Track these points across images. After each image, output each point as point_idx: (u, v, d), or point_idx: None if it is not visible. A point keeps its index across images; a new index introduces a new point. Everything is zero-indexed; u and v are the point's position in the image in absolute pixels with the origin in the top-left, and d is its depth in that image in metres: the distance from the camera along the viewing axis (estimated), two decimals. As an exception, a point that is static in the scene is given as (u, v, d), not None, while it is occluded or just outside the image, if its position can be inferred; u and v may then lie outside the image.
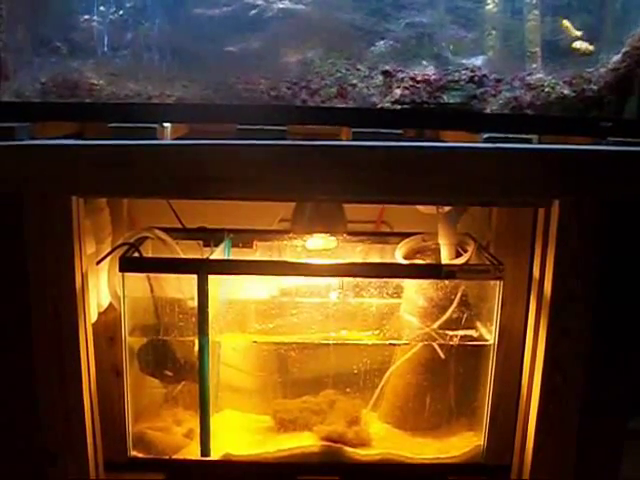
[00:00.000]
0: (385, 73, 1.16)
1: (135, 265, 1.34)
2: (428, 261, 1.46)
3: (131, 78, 1.15)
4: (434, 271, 1.35)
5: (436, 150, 1.12)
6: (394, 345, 1.43)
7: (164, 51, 1.15)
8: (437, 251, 1.45)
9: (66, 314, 1.20)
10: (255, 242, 1.54)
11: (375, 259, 1.54)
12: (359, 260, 1.52)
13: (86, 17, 1.16)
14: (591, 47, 1.17)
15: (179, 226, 1.51)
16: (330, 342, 1.40)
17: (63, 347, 1.20)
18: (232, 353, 1.47)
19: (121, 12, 1.16)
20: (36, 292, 1.18)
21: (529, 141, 1.15)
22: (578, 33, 1.17)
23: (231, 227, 1.52)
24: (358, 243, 1.54)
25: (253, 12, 1.15)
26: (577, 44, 1.16)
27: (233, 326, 1.41)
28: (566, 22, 1.17)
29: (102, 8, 1.16)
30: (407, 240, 1.48)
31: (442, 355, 1.40)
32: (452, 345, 1.39)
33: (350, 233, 1.51)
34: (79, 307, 1.21)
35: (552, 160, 1.11)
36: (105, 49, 1.16)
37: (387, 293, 1.39)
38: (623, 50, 1.15)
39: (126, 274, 1.31)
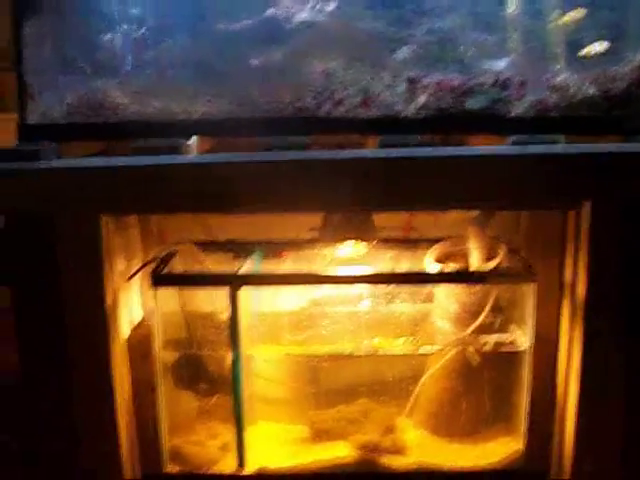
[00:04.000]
0: (409, 80, 1.16)
1: (166, 280, 1.34)
2: (459, 265, 1.45)
3: (155, 95, 1.16)
4: (465, 276, 1.34)
5: (462, 155, 1.11)
6: (427, 352, 1.42)
7: (187, 67, 1.16)
8: (467, 255, 1.44)
9: (99, 331, 1.21)
10: (285, 252, 1.54)
11: (406, 265, 1.53)
12: (390, 266, 1.51)
13: (109, 36, 1.17)
14: (598, 48, 1.16)
15: (208, 239, 1.52)
16: (363, 351, 1.40)
17: (97, 364, 1.22)
18: (265, 365, 1.47)
19: (143, 30, 1.17)
20: (70, 311, 1.19)
21: (556, 143, 1.14)
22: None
23: (260, 238, 1.52)
24: (388, 250, 1.53)
25: (274, 25, 1.16)
26: (583, 52, 1.15)
27: (265, 338, 1.41)
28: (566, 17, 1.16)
29: (125, 27, 1.17)
30: (437, 245, 1.47)
31: (476, 360, 1.39)
32: (486, 350, 1.38)
33: (380, 240, 1.51)
34: (112, 324, 1.23)
35: (581, 161, 1.10)
36: (129, 67, 1.17)
37: (419, 300, 1.38)
38: (649, 47, 1.14)
39: (158, 289, 1.32)
